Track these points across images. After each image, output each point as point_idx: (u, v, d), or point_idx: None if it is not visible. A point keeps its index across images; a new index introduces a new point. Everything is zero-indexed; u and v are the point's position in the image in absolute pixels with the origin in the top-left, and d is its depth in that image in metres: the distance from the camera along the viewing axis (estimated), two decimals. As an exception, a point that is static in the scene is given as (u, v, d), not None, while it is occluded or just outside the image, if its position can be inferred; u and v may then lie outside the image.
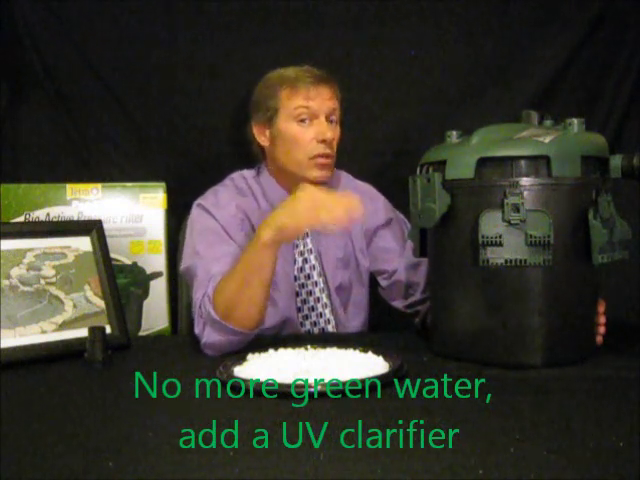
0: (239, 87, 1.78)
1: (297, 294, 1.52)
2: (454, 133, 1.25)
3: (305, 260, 1.53)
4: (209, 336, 1.27)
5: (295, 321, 1.52)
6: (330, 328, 1.54)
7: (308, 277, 1.53)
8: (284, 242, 1.27)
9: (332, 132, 1.45)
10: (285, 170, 1.49)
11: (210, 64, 1.83)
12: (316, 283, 1.53)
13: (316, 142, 1.43)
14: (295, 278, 1.52)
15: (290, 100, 1.45)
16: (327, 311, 1.54)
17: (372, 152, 1.87)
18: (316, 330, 1.53)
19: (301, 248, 1.53)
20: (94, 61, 1.81)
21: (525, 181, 1.11)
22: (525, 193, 1.11)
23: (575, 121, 1.17)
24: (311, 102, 1.44)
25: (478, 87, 1.87)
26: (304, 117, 1.44)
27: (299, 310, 1.52)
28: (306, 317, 1.53)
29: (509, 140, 1.16)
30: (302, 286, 1.53)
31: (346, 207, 1.18)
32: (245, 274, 1.24)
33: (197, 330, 1.30)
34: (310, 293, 1.53)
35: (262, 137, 1.52)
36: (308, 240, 1.53)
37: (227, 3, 1.81)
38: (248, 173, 1.58)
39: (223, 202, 1.49)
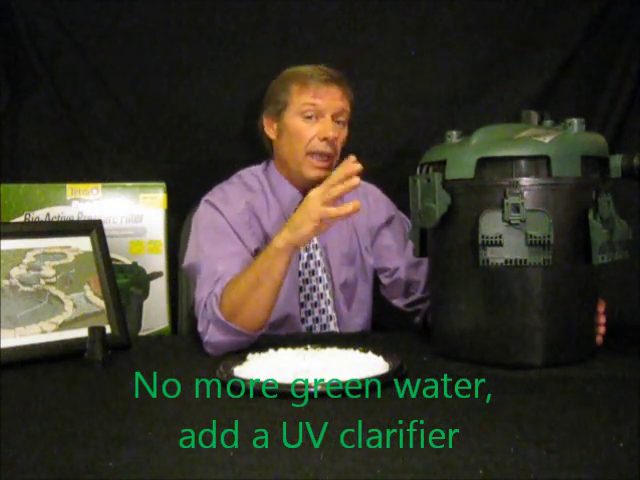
0: (240, 87, 1.78)
1: (300, 289, 1.52)
2: (454, 133, 1.25)
3: (310, 256, 1.53)
4: (212, 335, 1.27)
5: (297, 317, 1.51)
6: (332, 325, 1.54)
7: (312, 273, 1.53)
8: (299, 245, 1.26)
9: (335, 131, 1.45)
10: (287, 164, 1.50)
11: (211, 64, 1.83)
12: (320, 279, 1.53)
13: (317, 139, 1.44)
14: (299, 273, 1.52)
15: (299, 96, 1.46)
16: (330, 308, 1.54)
17: (372, 152, 1.87)
18: (318, 327, 1.53)
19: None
20: (94, 61, 1.81)
21: (525, 181, 1.11)
22: (525, 193, 1.11)
23: (575, 121, 1.17)
24: (319, 100, 1.45)
25: (478, 87, 1.87)
26: (310, 114, 1.45)
27: (302, 306, 1.52)
28: (308, 313, 1.52)
29: (509, 140, 1.16)
30: (306, 282, 1.52)
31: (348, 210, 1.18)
32: (257, 275, 1.24)
33: (200, 328, 1.30)
34: (314, 289, 1.53)
35: (270, 130, 1.53)
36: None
37: (228, 4, 1.81)
38: (256, 169, 1.58)
39: (232, 198, 1.49)
